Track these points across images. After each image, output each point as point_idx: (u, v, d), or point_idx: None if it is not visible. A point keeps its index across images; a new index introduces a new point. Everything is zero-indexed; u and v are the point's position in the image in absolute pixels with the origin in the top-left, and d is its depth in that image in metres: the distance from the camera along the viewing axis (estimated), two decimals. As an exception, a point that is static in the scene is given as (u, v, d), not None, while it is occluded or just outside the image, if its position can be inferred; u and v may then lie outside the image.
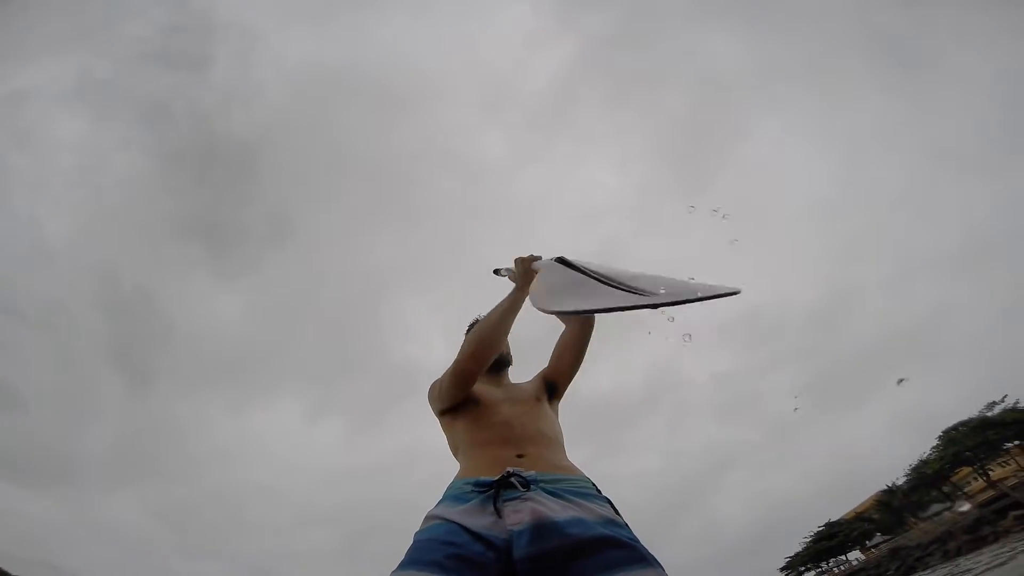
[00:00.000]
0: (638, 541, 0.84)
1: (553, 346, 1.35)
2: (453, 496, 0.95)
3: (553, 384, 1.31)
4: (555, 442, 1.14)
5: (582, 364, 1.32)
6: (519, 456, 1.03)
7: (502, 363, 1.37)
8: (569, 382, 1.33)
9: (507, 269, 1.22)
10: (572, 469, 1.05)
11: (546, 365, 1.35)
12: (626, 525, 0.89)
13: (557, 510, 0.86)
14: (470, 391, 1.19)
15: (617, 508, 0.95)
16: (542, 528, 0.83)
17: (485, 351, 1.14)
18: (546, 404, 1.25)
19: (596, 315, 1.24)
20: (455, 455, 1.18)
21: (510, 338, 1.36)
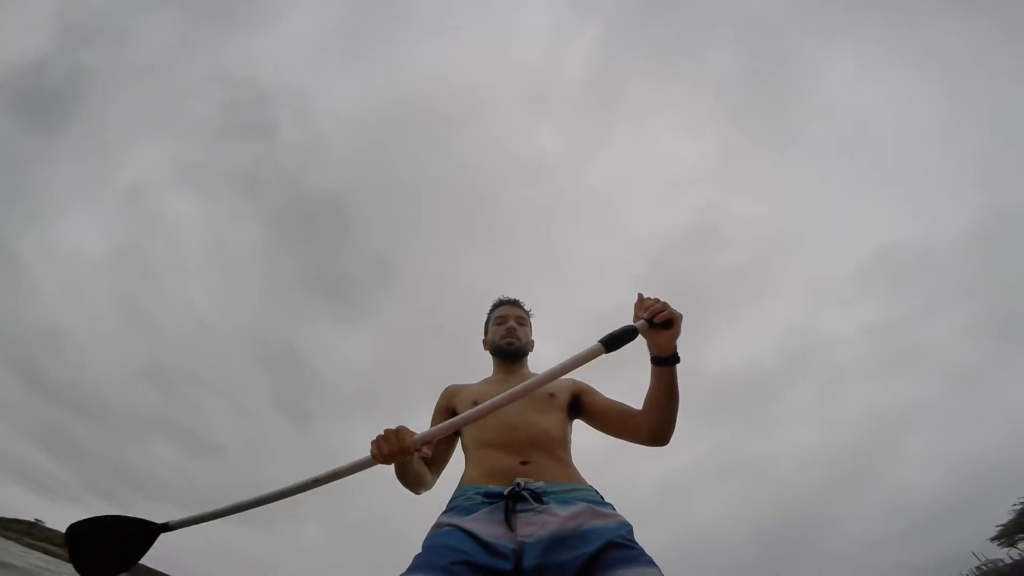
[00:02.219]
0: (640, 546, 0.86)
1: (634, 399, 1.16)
2: (462, 506, 0.96)
3: (581, 409, 1.22)
4: (560, 446, 1.11)
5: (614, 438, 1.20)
6: (523, 463, 1.03)
7: (517, 354, 1.34)
8: (592, 428, 1.22)
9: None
10: (578, 478, 1.05)
11: (597, 391, 1.23)
12: (631, 530, 0.90)
13: (571, 522, 0.87)
14: (463, 397, 1.22)
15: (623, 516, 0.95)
16: (556, 540, 0.85)
17: (404, 485, 1.10)
18: (559, 405, 1.18)
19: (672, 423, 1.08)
20: (464, 451, 1.19)
21: (536, 321, 1.42)
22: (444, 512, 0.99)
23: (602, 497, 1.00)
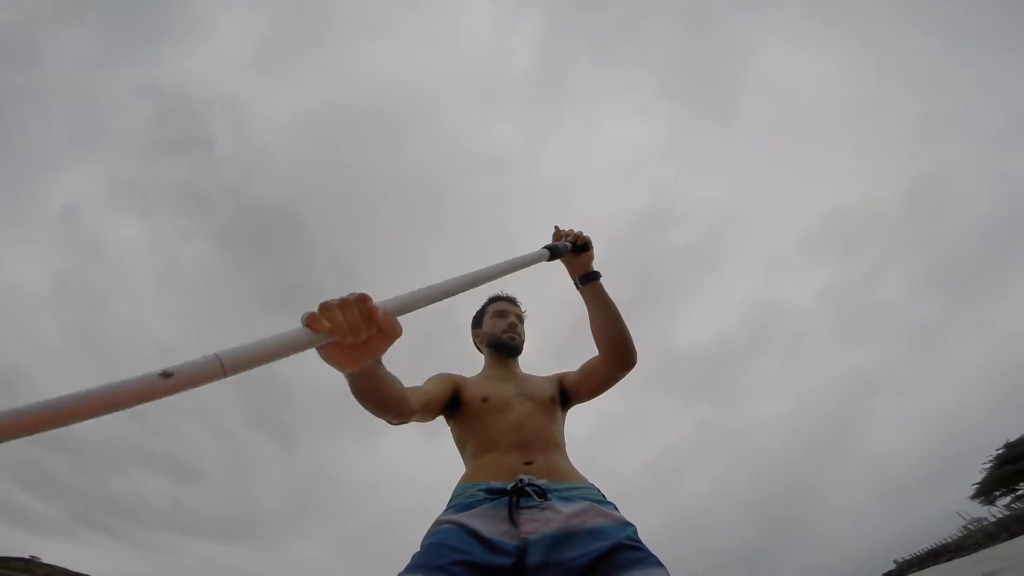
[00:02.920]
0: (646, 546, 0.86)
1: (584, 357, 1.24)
2: (464, 502, 0.94)
3: (568, 396, 1.24)
4: (562, 448, 1.13)
5: (605, 392, 1.24)
6: (527, 463, 1.02)
7: (511, 351, 1.33)
8: (585, 401, 1.25)
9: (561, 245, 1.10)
10: (580, 477, 1.06)
11: (571, 371, 1.26)
12: (636, 530, 0.90)
13: (575, 519, 0.87)
14: (470, 389, 1.18)
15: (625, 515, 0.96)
16: (561, 537, 0.84)
17: (364, 406, 0.87)
18: (559, 408, 1.21)
19: (631, 343, 1.15)
20: (460, 451, 1.16)
21: (531, 323, 1.42)
22: (444, 510, 0.97)
23: (604, 496, 1.01)
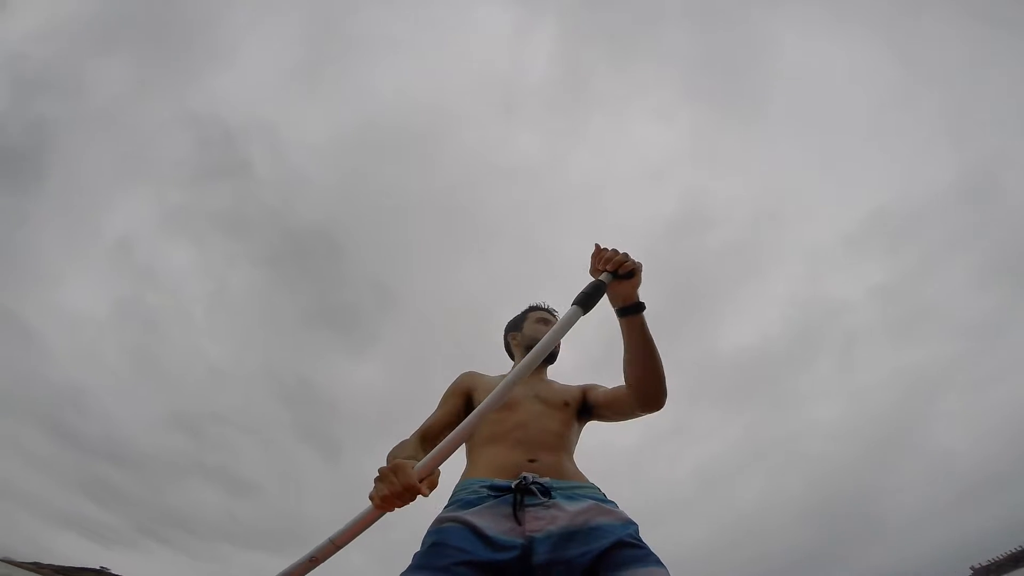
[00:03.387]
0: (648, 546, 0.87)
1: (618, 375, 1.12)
2: (467, 499, 0.93)
3: (590, 410, 1.20)
4: (568, 449, 1.11)
5: (625, 422, 1.19)
6: (531, 461, 1.01)
7: (552, 357, 1.34)
8: (603, 422, 1.21)
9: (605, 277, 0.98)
10: (583, 477, 1.05)
11: (601, 386, 1.20)
12: (638, 529, 0.90)
13: (579, 517, 0.88)
14: (483, 387, 1.18)
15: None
16: (565, 535, 0.84)
17: None
18: (573, 413, 1.17)
19: (662, 394, 1.05)
20: (465, 444, 1.14)
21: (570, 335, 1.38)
22: (446, 506, 0.96)
23: (605, 495, 1.00)
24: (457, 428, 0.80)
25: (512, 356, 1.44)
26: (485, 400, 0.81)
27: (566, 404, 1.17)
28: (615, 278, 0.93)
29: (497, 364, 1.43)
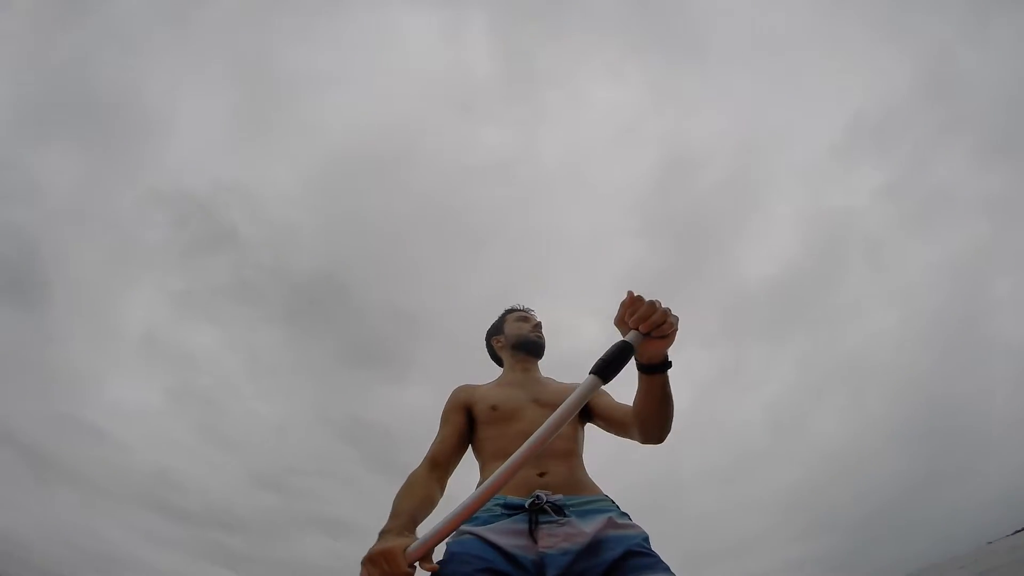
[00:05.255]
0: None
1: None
2: (482, 516, 0.93)
3: (590, 415, 1.18)
4: (576, 457, 1.11)
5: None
6: (540, 475, 1.01)
7: (538, 348, 1.35)
8: (600, 428, 1.19)
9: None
10: (594, 488, 1.06)
11: (606, 393, 1.16)
12: (648, 538, 0.92)
13: (591, 534, 0.88)
14: (480, 399, 1.19)
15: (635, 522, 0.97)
16: (579, 551, 0.85)
17: None
18: (575, 417, 1.14)
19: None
20: (476, 457, 1.17)
21: (548, 326, 1.41)
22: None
23: (619, 507, 1.00)
24: (457, 508, 0.74)
25: (499, 362, 1.43)
26: (495, 473, 0.74)
27: None
28: (646, 338, 0.79)
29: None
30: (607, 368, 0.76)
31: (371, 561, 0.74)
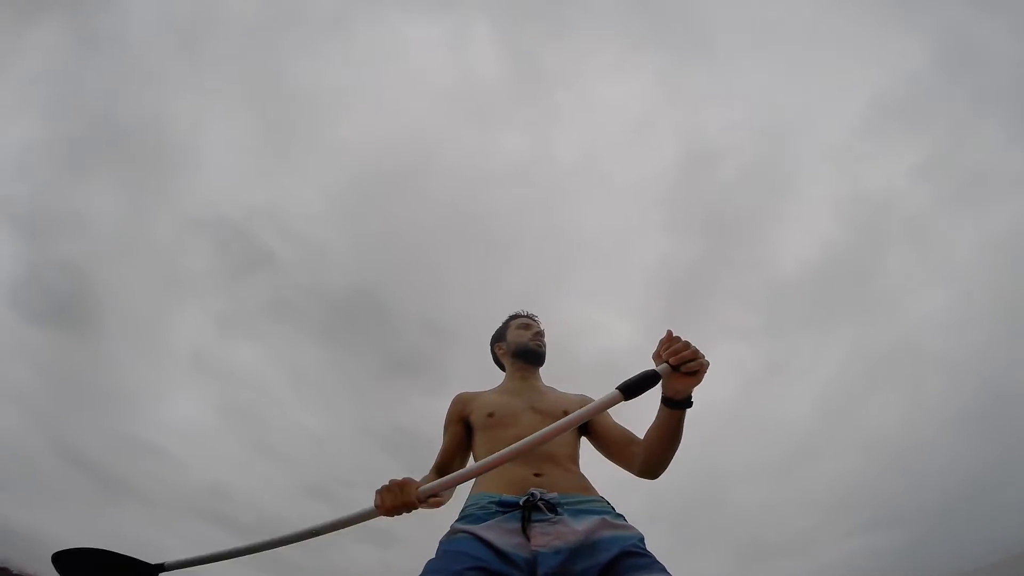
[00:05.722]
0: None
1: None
2: (476, 514, 0.96)
3: (587, 431, 1.20)
4: (572, 460, 1.13)
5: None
6: (536, 475, 1.03)
7: (538, 357, 1.36)
8: (596, 448, 1.21)
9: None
10: (590, 489, 1.06)
11: (608, 415, 1.19)
12: (643, 539, 0.93)
13: (584, 533, 0.89)
14: (478, 406, 1.24)
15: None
16: (572, 550, 0.86)
17: None
18: (575, 429, 1.16)
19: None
20: (474, 460, 1.21)
21: (550, 334, 1.43)
22: (457, 520, 1.00)
23: (614, 508, 1.01)
24: (469, 466, 0.96)
25: (502, 367, 1.45)
26: (515, 444, 0.90)
27: (565, 414, 1.14)
28: (675, 371, 0.87)
29: (558, 362, 1.43)
30: (632, 388, 0.86)
31: (386, 488, 0.92)
